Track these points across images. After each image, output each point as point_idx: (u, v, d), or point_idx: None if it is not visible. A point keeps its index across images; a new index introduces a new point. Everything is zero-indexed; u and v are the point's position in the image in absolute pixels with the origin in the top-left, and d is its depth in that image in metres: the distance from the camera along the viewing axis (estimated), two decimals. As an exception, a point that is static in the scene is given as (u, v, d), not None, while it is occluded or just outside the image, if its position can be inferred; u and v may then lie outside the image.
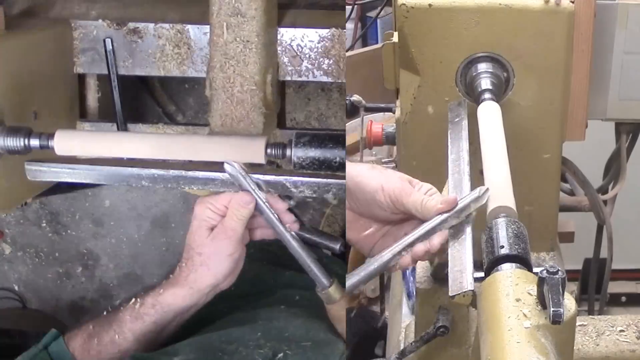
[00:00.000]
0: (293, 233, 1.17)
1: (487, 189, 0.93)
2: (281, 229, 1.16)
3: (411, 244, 0.95)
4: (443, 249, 0.94)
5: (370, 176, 0.99)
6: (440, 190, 1.05)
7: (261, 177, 1.17)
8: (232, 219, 1.15)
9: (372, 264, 0.96)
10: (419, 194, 0.96)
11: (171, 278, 1.18)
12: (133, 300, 1.16)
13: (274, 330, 1.17)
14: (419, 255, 0.95)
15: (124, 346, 1.15)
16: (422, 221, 0.96)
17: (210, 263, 1.15)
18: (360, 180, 0.99)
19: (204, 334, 1.20)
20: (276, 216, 1.16)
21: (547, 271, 0.72)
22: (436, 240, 0.94)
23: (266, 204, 1.16)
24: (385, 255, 0.96)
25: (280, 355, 1.10)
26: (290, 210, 1.18)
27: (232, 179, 1.15)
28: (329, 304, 1.16)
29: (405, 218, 1.00)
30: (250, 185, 1.15)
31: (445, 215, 0.94)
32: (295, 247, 1.16)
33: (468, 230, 0.92)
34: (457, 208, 0.94)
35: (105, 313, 1.19)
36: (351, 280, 0.96)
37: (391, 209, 0.98)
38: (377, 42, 2.72)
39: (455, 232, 0.93)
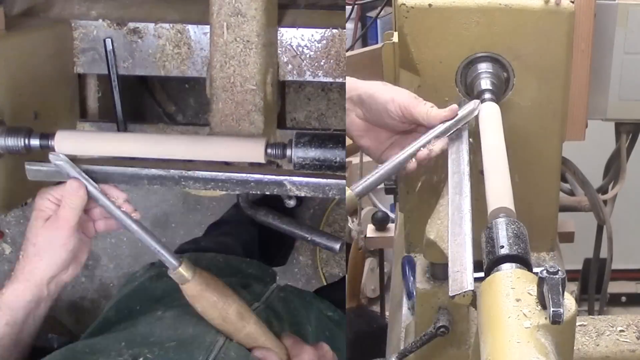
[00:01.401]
0: (133, 217, 1.16)
1: (479, 102, 1.11)
2: (119, 214, 1.15)
3: (417, 149, 1.08)
4: (442, 155, 1.08)
5: (384, 89, 1.13)
6: (441, 190, 1.05)
7: (261, 177, 1.17)
8: (64, 208, 1.14)
9: (382, 169, 1.09)
10: (425, 105, 1.10)
11: (11, 274, 1.16)
12: None
13: (138, 336, 1.15)
14: (422, 159, 1.08)
15: None
16: (425, 131, 1.10)
17: (43, 253, 1.14)
18: (374, 92, 1.12)
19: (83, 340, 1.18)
20: (113, 203, 1.15)
21: (547, 271, 0.72)
22: (437, 145, 1.08)
23: (98, 190, 1.15)
24: (394, 160, 1.09)
25: (141, 359, 1.06)
26: (127, 201, 1.17)
27: (60, 170, 1.15)
28: (182, 285, 1.14)
29: (412, 128, 1.13)
30: (79, 174, 1.14)
31: (447, 123, 1.08)
32: (138, 230, 1.15)
33: (465, 134, 1.08)
34: (458, 117, 1.09)
35: None
36: (363, 183, 1.07)
37: (400, 118, 1.11)
38: (377, 42, 2.72)
39: (455, 137, 1.09)
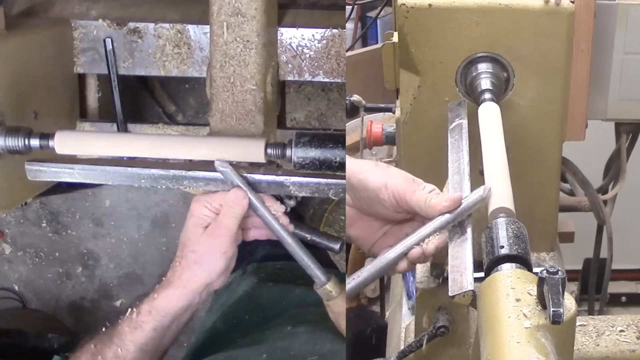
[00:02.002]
0: (289, 230, 1.16)
1: (490, 189, 0.93)
2: (276, 226, 1.16)
3: (415, 244, 0.95)
4: (438, 253, 0.94)
5: (374, 173, 0.98)
6: (441, 190, 1.05)
7: (261, 177, 1.17)
8: (225, 217, 1.14)
9: (373, 267, 0.96)
10: (423, 192, 0.96)
11: (165, 279, 1.17)
12: (130, 310, 1.15)
13: (279, 350, 1.16)
14: (415, 258, 0.96)
15: (129, 358, 1.13)
16: (424, 222, 0.96)
17: (203, 261, 1.15)
18: (364, 177, 0.98)
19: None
20: (271, 214, 1.16)
21: (547, 271, 0.72)
22: (431, 245, 0.95)
23: (260, 201, 1.15)
24: (387, 256, 0.96)
25: None
26: (286, 213, 1.18)
27: (224, 177, 1.15)
28: (328, 301, 1.15)
29: (407, 218, 1.00)
30: (243, 183, 1.15)
31: (449, 215, 0.93)
32: (292, 244, 1.16)
33: (469, 230, 0.92)
34: (462, 207, 0.93)
35: (104, 329, 1.18)
36: (351, 283, 0.96)
37: (394, 207, 0.98)
38: (377, 42, 2.72)
39: (456, 232, 0.93)
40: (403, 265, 0.96)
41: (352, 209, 1.02)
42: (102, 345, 1.15)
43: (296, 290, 1.40)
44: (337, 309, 1.15)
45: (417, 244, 0.95)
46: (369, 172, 0.99)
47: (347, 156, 1.06)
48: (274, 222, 1.16)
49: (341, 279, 1.15)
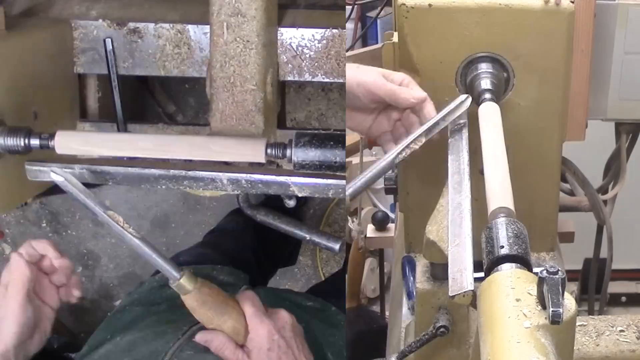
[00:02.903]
0: (133, 232, 1.16)
1: (467, 96, 1.09)
2: (121, 230, 1.15)
3: (402, 150, 1.06)
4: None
5: (353, 74, 1.11)
6: (441, 190, 1.05)
7: (261, 177, 1.17)
8: (10, 283, 1.16)
9: (369, 172, 1.06)
10: (391, 85, 1.08)
11: None
12: None
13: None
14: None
15: None
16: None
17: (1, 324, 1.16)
18: (347, 77, 1.11)
19: None
20: (106, 213, 1.16)
21: (547, 271, 0.72)
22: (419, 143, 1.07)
23: (94, 200, 1.15)
24: (379, 164, 1.06)
25: None
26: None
27: (61, 185, 1.16)
28: (184, 295, 1.15)
29: (387, 105, 1.12)
30: (75, 185, 1.15)
31: (432, 120, 1.07)
32: (141, 245, 1.16)
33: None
34: (442, 112, 1.07)
35: None
36: (352, 187, 1.05)
37: (369, 100, 1.10)
38: (377, 42, 2.72)
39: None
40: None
41: (348, 108, 1.15)
42: None
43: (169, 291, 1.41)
44: (190, 304, 1.15)
45: (407, 146, 1.07)
46: (349, 74, 1.11)
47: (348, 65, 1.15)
48: (114, 223, 1.16)
49: (194, 274, 1.16)
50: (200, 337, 1.17)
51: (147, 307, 1.41)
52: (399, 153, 1.07)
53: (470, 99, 1.09)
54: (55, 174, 1.15)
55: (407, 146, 1.07)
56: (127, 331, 1.29)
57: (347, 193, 1.06)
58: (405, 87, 1.10)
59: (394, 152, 1.08)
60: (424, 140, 1.07)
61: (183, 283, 1.14)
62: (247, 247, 1.96)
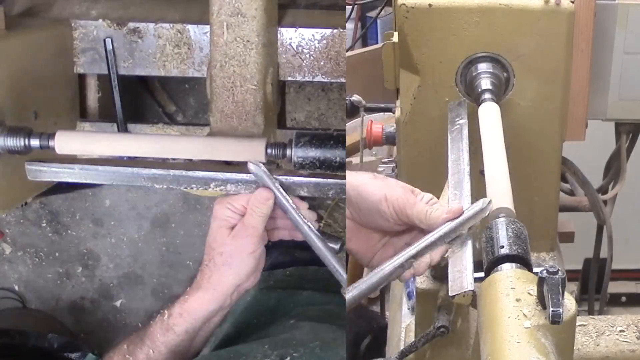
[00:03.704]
0: (315, 231, 1.15)
1: (490, 201, 0.92)
2: (303, 225, 1.14)
3: (414, 256, 0.94)
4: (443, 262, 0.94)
5: (373, 186, 0.98)
6: (441, 190, 1.05)
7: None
8: (252, 216, 1.13)
9: (374, 277, 0.95)
10: (422, 204, 0.95)
11: (194, 283, 1.16)
12: (161, 312, 1.15)
13: (280, 340, 1.16)
14: (421, 271, 0.95)
15: None
16: (423, 232, 0.95)
17: (232, 262, 1.14)
18: (363, 190, 0.98)
19: None
20: (299, 214, 1.15)
21: (547, 271, 0.72)
22: (437, 253, 0.94)
23: (288, 200, 1.14)
24: (387, 267, 0.95)
25: (288, 358, 1.08)
26: (310, 209, 1.17)
27: (255, 177, 1.15)
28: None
29: (407, 228, 0.99)
30: (273, 182, 1.14)
31: (449, 225, 0.93)
32: (318, 244, 1.15)
33: (469, 243, 0.92)
34: (461, 218, 0.93)
35: (136, 331, 1.18)
36: (352, 293, 0.95)
37: (394, 219, 0.97)
38: (377, 42, 2.72)
39: (456, 242, 0.93)
40: (409, 273, 0.95)
41: (351, 222, 1.01)
42: (134, 347, 1.15)
43: (303, 294, 1.40)
44: None
45: (416, 255, 0.94)
46: (368, 185, 0.98)
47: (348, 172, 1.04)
48: (302, 223, 1.15)
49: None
50: None
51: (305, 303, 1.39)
52: (407, 261, 0.95)
53: (491, 204, 0.93)
54: (253, 166, 1.14)
55: (415, 255, 0.94)
56: (299, 320, 1.27)
57: (347, 297, 0.95)
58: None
59: (401, 258, 0.95)
60: (437, 250, 0.94)
61: None
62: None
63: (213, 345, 1.31)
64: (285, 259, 1.69)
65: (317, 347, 1.11)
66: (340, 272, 1.14)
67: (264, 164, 1.18)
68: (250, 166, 1.15)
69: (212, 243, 1.16)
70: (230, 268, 1.14)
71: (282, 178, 1.15)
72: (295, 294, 1.41)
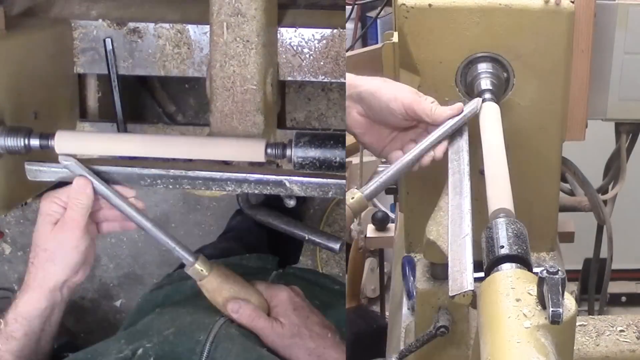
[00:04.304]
0: (146, 215, 1.15)
1: (481, 100, 1.11)
2: (130, 211, 1.14)
3: (423, 150, 1.09)
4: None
5: (385, 87, 1.12)
6: (441, 190, 1.05)
7: (261, 176, 1.17)
8: (71, 209, 1.12)
9: (389, 171, 1.09)
10: (427, 102, 1.10)
11: (23, 283, 1.15)
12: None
13: (137, 333, 1.14)
14: (426, 163, 1.09)
15: None
16: (426, 130, 1.11)
17: (55, 258, 1.13)
18: (376, 90, 1.11)
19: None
20: (125, 200, 1.14)
21: (547, 271, 0.72)
22: (439, 149, 1.09)
23: (108, 188, 1.13)
24: (401, 162, 1.09)
25: (140, 351, 1.06)
26: (136, 197, 1.17)
27: (69, 170, 1.14)
28: (200, 280, 1.14)
29: (413, 125, 1.13)
30: (87, 172, 1.13)
31: (452, 121, 1.09)
32: (152, 228, 1.14)
33: (465, 134, 1.09)
34: (462, 114, 1.09)
35: None
36: (372, 186, 1.07)
37: (404, 116, 1.10)
38: (377, 42, 2.72)
39: (455, 137, 1.10)
40: (416, 167, 1.10)
41: (364, 118, 1.14)
42: None
43: (188, 282, 1.35)
44: (212, 285, 1.14)
45: (429, 148, 1.09)
46: (380, 86, 1.12)
47: (357, 76, 1.15)
48: (129, 208, 1.14)
49: (208, 258, 1.15)
50: (231, 306, 1.14)
51: (181, 292, 1.37)
52: (417, 156, 1.09)
53: (481, 101, 1.11)
54: (64, 158, 1.14)
55: (425, 149, 1.09)
56: (165, 307, 1.26)
57: (365, 193, 1.06)
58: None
59: (412, 154, 1.09)
60: (446, 144, 1.09)
61: (198, 267, 1.13)
62: (264, 243, 1.96)
63: (134, 318, 1.29)
64: (210, 251, 1.69)
65: (171, 335, 1.09)
66: (179, 250, 1.14)
67: (263, 163, 1.18)
68: (61, 159, 1.14)
69: (37, 240, 1.14)
70: (54, 264, 1.13)
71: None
72: (182, 284, 1.38)
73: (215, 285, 1.14)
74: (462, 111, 1.09)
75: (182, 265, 1.19)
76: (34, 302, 1.13)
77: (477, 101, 1.11)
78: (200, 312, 1.17)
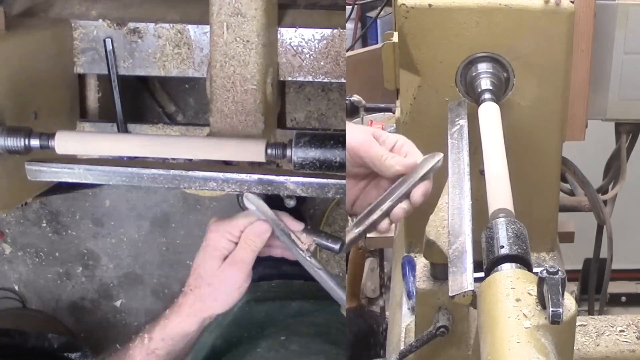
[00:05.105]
0: (311, 254, 1.15)
1: (442, 156, 0.94)
2: (299, 252, 1.15)
3: (371, 224, 0.93)
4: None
5: (347, 129, 0.97)
6: (440, 192, 1.05)
7: (261, 176, 1.17)
8: (244, 250, 1.12)
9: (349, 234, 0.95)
10: (380, 148, 0.93)
11: (176, 305, 1.15)
12: (141, 335, 1.14)
13: (270, 358, 1.16)
14: (399, 217, 0.95)
15: None
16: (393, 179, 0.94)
17: (218, 295, 1.13)
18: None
19: None
20: (293, 239, 1.14)
21: (547, 271, 0.72)
22: (417, 195, 0.93)
23: (284, 229, 1.13)
24: (357, 228, 0.95)
25: None
26: (305, 229, 1.15)
27: (254, 214, 1.14)
28: None
29: (373, 173, 0.97)
30: (271, 216, 1.13)
31: (407, 180, 0.93)
32: (314, 268, 1.14)
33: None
34: (417, 174, 0.93)
35: (115, 352, 1.17)
36: (353, 233, 0.95)
37: (352, 164, 0.96)
38: (377, 42, 2.72)
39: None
40: (385, 225, 0.95)
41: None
42: None
43: (292, 304, 1.40)
44: None
45: (374, 223, 0.93)
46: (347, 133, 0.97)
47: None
48: (297, 249, 1.15)
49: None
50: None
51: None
52: (373, 223, 0.95)
53: (442, 157, 0.96)
54: (248, 202, 1.13)
55: (387, 211, 0.94)
56: (280, 331, 1.27)
57: (347, 239, 0.96)
58: (396, 153, 0.94)
59: (366, 223, 0.95)
60: (397, 208, 0.94)
61: None
62: None
63: (198, 357, 1.30)
64: (272, 272, 1.69)
65: None
66: (337, 292, 1.14)
67: (263, 163, 1.18)
68: (247, 200, 1.13)
69: (202, 272, 1.14)
70: (215, 300, 1.13)
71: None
72: (284, 305, 1.40)
73: None
74: (415, 169, 0.93)
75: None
76: (186, 326, 1.14)
77: (436, 159, 0.95)
78: (331, 348, 1.18)
